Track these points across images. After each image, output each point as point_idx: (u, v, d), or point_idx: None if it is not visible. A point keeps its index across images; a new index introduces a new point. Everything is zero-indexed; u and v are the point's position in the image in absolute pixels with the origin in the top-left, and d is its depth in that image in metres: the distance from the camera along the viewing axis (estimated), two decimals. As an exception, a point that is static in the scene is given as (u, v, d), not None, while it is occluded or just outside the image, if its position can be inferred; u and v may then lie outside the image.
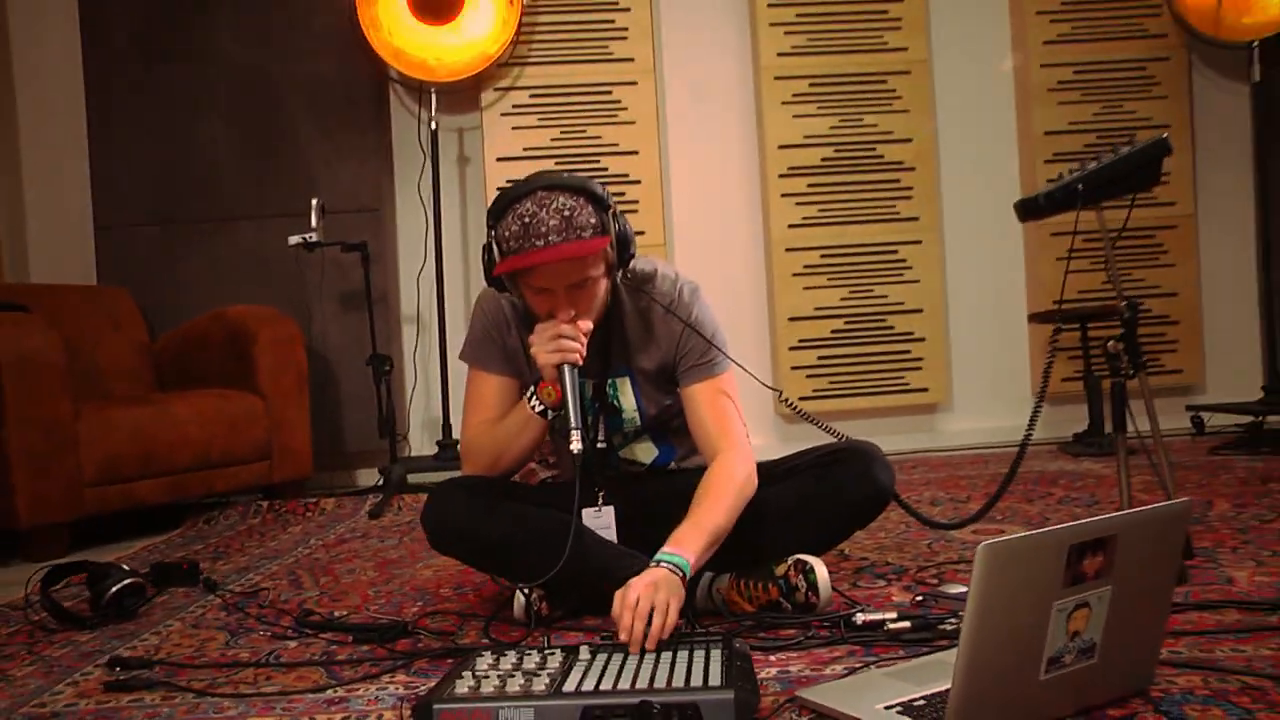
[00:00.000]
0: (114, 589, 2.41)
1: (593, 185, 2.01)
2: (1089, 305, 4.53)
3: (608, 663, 1.68)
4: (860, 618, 1.96)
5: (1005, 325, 4.81)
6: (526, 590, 2.08)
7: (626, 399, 2.22)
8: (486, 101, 4.69)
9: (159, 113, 4.60)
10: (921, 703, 1.51)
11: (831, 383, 4.72)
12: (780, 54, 4.73)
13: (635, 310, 2.17)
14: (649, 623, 1.73)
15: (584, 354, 2.01)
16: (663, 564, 1.84)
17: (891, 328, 4.74)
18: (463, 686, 1.60)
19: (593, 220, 1.97)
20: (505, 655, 1.72)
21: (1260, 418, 4.16)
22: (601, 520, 2.13)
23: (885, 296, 4.74)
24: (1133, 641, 1.53)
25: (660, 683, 1.58)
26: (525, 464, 2.27)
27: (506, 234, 1.96)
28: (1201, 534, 2.70)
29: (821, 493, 2.15)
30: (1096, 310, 4.27)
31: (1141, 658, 1.58)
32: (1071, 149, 4.72)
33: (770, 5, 4.72)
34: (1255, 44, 4.48)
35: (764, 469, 2.21)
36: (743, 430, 2.15)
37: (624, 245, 2.03)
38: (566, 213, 1.94)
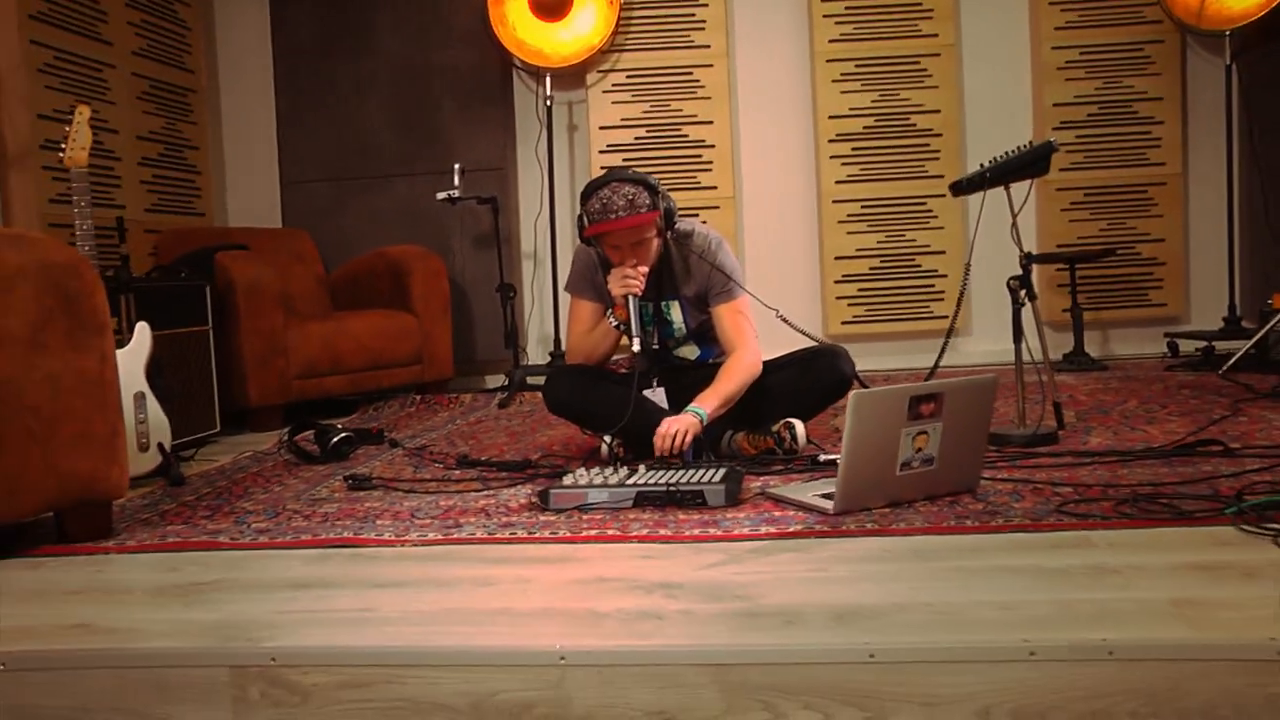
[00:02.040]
0: (335, 439, 3.61)
1: (648, 178, 3.11)
2: (1072, 249, 5.47)
3: (654, 473, 2.79)
4: (823, 458, 3.04)
5: (1014, 265, 5.70)
6: (608, 438, 3.21)
7: (676, 315, 3.32)
8: (591, 81, 5.78)
9: (332, 92, 5.81)
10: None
11: (869, 310, 5.74)
12: (831, 40, 5.70)
13: (680, 256, 3.26)
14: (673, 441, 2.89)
15: (643, 287, 3.11)
16: (688, 411, 2.97)
17: (919, 266, 5.73)
18: (567, 481, 2.74)
19: (647, 201, 3.06)
20: (593, 470, 2.85)
21: (1210, 343, 5.06)
22: (657, 396, 3.22)
23: (915, 240, 5.72)
24: (961, 457, 2.58)
25: (683, 481, 2.69)
26: (608, 361, 3.38)
27: (591, 210, 3.08)
28: (1098, 416, 3.71)
29: (804, 377, 3.22)
30: (1077, 254, 5.22)
31: (968, 468, 2.63)
32: (1076, 118, 5.63)
33: (824, 0, 5.69)
34: (1227, 33, 5.31)
35: (770, 362, 3.30)
36: (752, 335, 3.22)
37: (669, 217, 3.14)
38: (630, 196, 3.04)
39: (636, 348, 3.10)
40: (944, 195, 5.65)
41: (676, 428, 2.92)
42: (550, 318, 5.68)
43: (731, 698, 1.66)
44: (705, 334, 3.36)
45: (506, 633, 1.82)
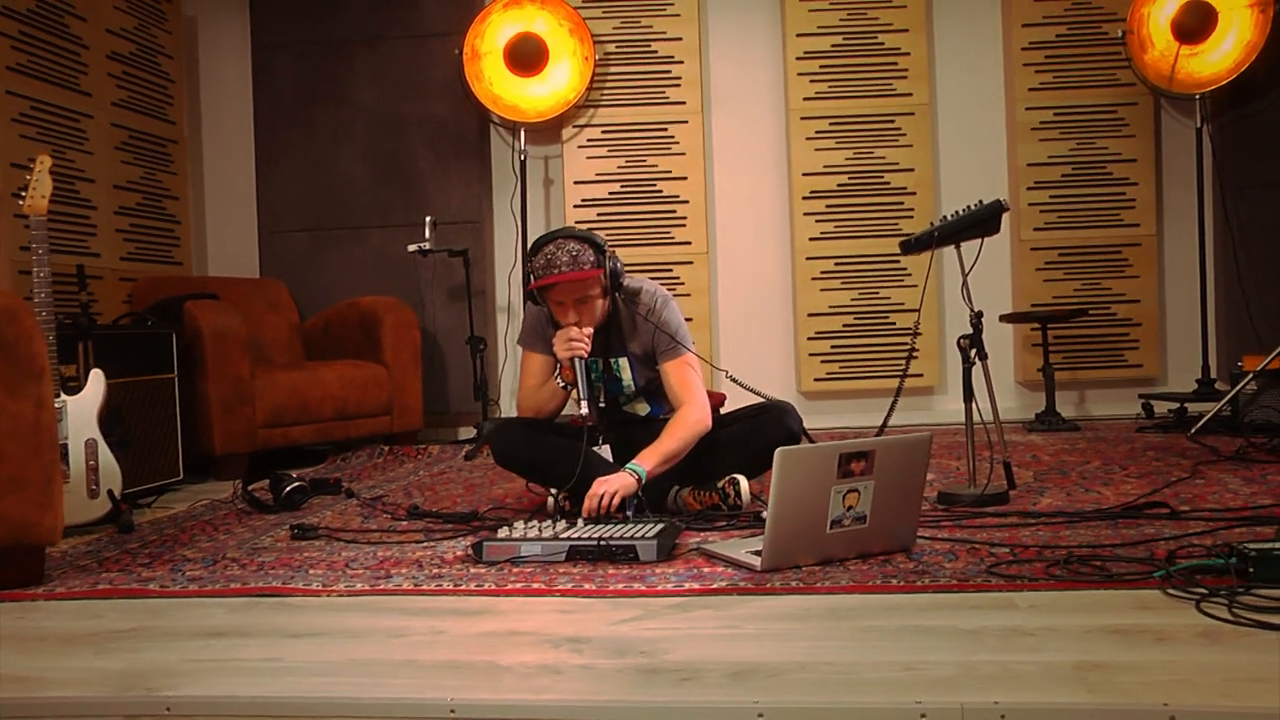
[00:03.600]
0: (288, 488, 3.60)
1: (595, 237, 3.14)
2: (1044, 309, 5.48)
3: (590, 527, 2.78)
4: (765, 514, 3.02)
5: (990, 323, 5.63)
6: (555, 491, 3.20)
7: (625, 373, 3.32)
8: (566, 136, 5.83)
9: (310, 145, 5.86)
10: (766, 548, 2.57)
11: (842, 367, 5.74)
12: (806, 98, 5.75)
13: (629, 315, 3.26)
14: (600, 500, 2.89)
15: (589, 349, 3.12)
16: (625, 469, 2.96)
17: (894, 323, 5.72)
18: (502, 534, 2.73)
19: (591, 259, 3.08)
20: (530, 522, 2.84)
21: (1183, 405, 5.04)
22: (603, 452, 3.21)
23: (888, 298, 5.73)
24: (895, 515, 2.56)
25: (617, 536, 2.67)
26: (556, 416, 3.36)
27: (537, 265, 3.10)
28: (1056, 477, 3.69)
29: (751, 433, 3.20)
30: (1048, 314, 5.23)
31: (903, 527, 2.61)
32: (1050, 178, 5.66)
33: (798, 58, 5.74)
34: (1197, 97, 5.36)
35: (718, 418, 3.30)
36: (699, 391, 3.21)
37: (615, 277, 3.15)
38: (574, 253, 3.06)
39: (584, 410, 3.10)
40: (930, 256, 5.68)
41: (605, 489, 2.91)
42: (523, 370, 5.68)
43: (619, 755, 1.65)
44: (655, 390, 3.36)
45: (405, 684, 1.81)
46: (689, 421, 3.15)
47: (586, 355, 3.13)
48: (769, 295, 5.89)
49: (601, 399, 3.29)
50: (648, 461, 3.01)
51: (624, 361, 3.31)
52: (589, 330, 3.14)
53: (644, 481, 2.98)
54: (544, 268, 3.09)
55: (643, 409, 3.42)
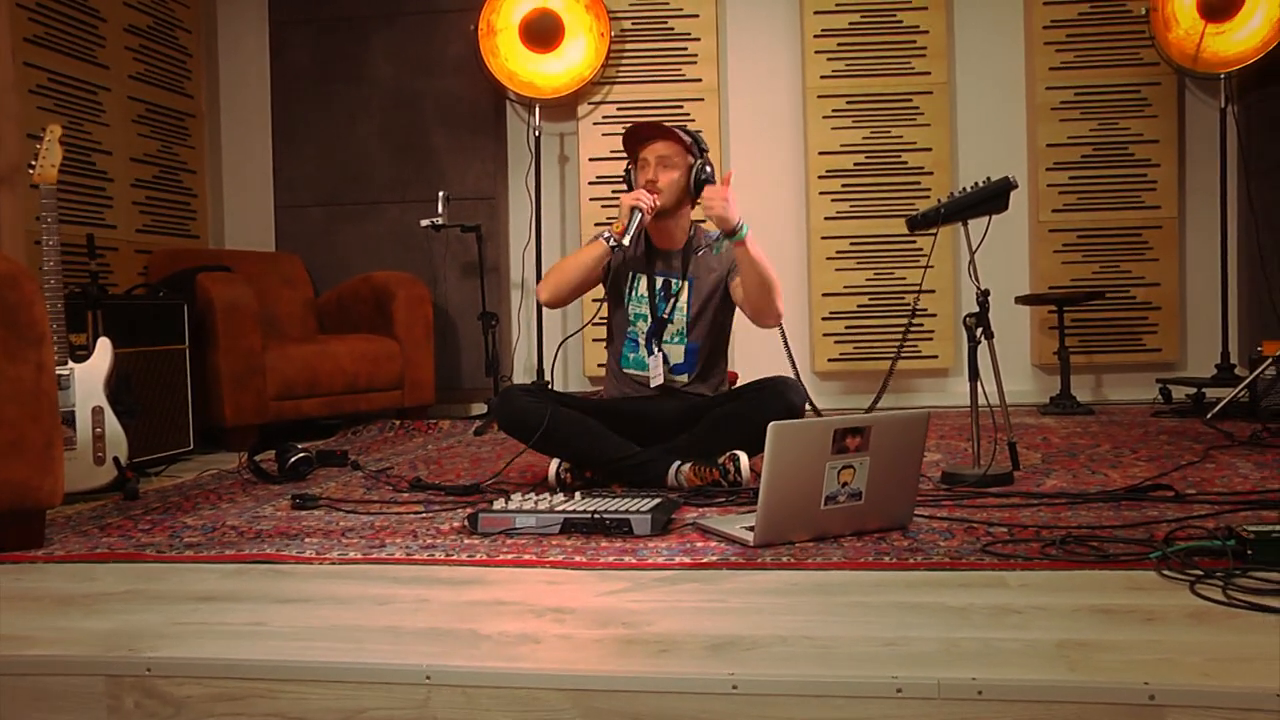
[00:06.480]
0: (293, 459, 3.62)
1: (699, 136, 3.41)
2: (1061, 291, 5.42)
3: (586, 500, 2.78)
4: (765, 491, 3.02)
5: (1006, 305, 5.58)
6: (555, 463, 3.20)
7: (683, 294, 3.40)
8: (582, 113, 5.81)
9: (326, 120, 5.88)
10: (761, 524, 2.56)
11: (856, 348, 5.70)
12: (823, 76, 5.70)
13: (706, 248, 3.42)
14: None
15: (652, 210, 3.27)
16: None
17: (909, 305, 5.68)
18: (498, 505, 2.73)
19: (686, 139, 3.33)
20: (527, 495, 2.83)
21: (1201, 390, 4.98)
22: (656, 363, 3.36)
23: (904, 279, 5.68)
24: (891, 492, 2.54)
25: (611, 509, 2.67)
26: (577, 295, 3.44)
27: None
28: (1064, 459, 3.66)
29: (752, 409, 3.18)
30: (1064, 296, 5.18)
31: (900, 504, 2.59)
32: (1070, 159, 5.59)
33: (816, 36, 5.70)
34: (1222, 76, 5.28)
35: (720, 395, 3.28)
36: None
37: (700, 172, 3.35)
38: (673, 126, 3.31)
39: (628, 240, 3.21)
40: (934, 233, 5.61)
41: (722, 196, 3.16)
42: (535, 346, 5.67)
43: (592, 723, 1.64)
44: (701, 334, 3.43)
45: (384, 650, 1.81)
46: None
47: (648, 213, 3.26)
48: (783, 274, 5.72)
49: (663, 312, 3.43)
50: (750, 238, 3.22)
51: (685, 285, 3.42)
52: (658, 197, 3.30)
53: (739, 232, 3.20)
54: (638, 128, 3.36)
55: (675, 356, 3.44)
